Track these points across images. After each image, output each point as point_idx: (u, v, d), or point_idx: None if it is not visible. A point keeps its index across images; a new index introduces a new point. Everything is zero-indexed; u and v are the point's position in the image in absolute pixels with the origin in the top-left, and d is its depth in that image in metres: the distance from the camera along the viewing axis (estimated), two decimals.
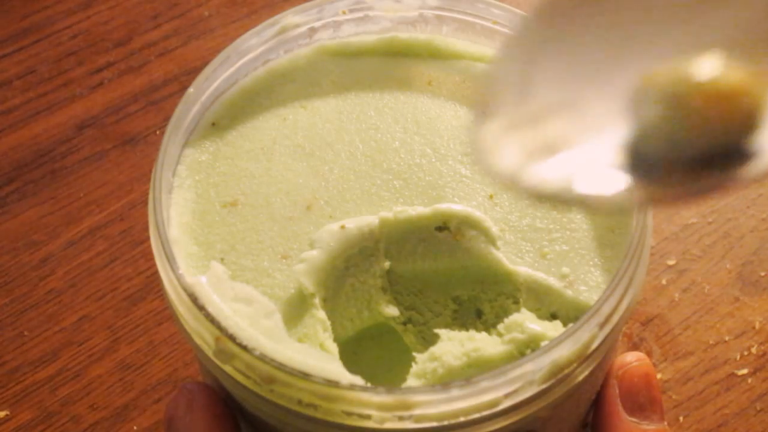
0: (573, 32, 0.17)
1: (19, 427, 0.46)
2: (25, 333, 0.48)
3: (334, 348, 0.30)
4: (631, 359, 0.28)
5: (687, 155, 0.15)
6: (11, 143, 0.55)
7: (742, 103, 0.15)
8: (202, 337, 0.30)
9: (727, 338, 0.46)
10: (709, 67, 0.15)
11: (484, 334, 0.28)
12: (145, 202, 0.52)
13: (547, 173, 0.16)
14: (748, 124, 0.15)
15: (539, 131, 0.16)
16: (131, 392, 0.46)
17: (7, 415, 0.46)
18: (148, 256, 0.50)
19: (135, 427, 0.45)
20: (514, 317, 0.27)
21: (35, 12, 0.62)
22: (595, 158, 0.16)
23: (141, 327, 0.48)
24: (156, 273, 0.31)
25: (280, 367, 0.27)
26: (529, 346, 0.25)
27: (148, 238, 0.34)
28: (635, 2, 0.17)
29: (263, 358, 0.28)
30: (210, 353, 0.29)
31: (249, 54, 0.37)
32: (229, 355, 0.29)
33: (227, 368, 0.29)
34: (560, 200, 0.15)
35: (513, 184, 0.15)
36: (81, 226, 0.52)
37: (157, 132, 0.55)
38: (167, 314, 0.48)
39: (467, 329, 0.30)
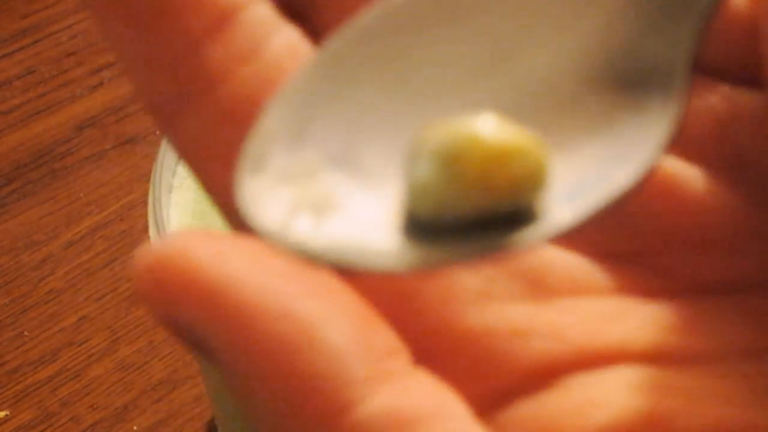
0: (359, 76, 0.16)
1: (19, 427, 0.46)
2: (25, 333, 0.48)
3: None
4: None
5: (461, 218, 0.15)
6: (11, 143, 0.55)
7: (521, 167, 0.14)
8: None
9: None
10: (489, 126, 0.14)
11: None
12: (145, 202, 0.52)
13: (315, 232, 0.15)
14: (527, 188, 0.15)
15: (311, 186, 0.15)
16: (131, 392, 0.46)
17: (6, 415, 0.46)
18: None
19: (135, 427, 0.45)
20: None
21: (35, 12, 0.62)
22: (367, 218, 0.15)
23: (141, 327, 0.48)
24: None
25: None
26: None
27: (148, 238, 0.34)
28: (431, 50, 0.16)
29: None
30: None
31: None
32: None
33: None
34: (327, 262, 0.14)
35: (276, 243, 0.14)
36: (81, 226, 0.52)
37: (157, 132, 0.55)
38: None
39: None
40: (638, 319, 0.17)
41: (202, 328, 0.15)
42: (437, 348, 0.17)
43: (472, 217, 0.15)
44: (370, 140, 0.16)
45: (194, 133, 0.17)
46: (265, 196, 0.15)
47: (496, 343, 0.17)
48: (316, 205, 0.15)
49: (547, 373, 0.17)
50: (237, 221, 0.17)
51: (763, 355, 0.17)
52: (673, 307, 0.17)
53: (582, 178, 0.15)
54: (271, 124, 0.16)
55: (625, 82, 0.16)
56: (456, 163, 0.15)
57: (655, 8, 0.16)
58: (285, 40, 0.17)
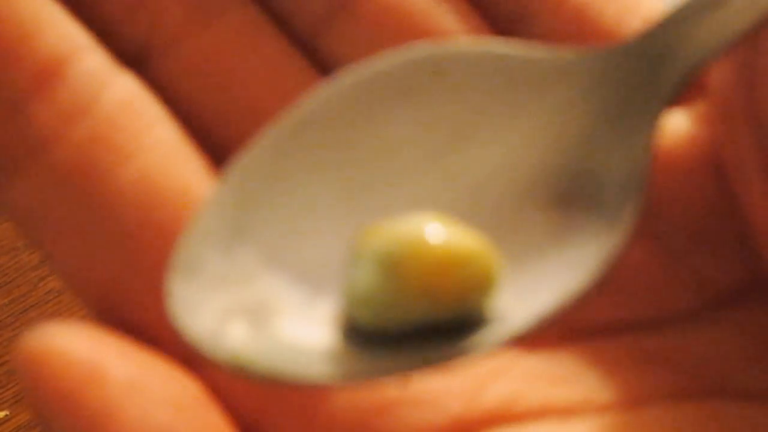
0: (301, 169, 0.15)
1: (19, 427, 0.46)
2: (25, 333, 0.48)
3: None
4: None
5: (404, 326, 0.14)
6: None
7: (468, 273, 0.14)
8: None
9: None
10: (433, 229, 0.14)
11: None
12: None
13: (249, 341, 0.14)
14: (475, 295, 0.14)
15: (246, 291, 0.14)
16: None
17: (6, 415, 0.46)
18: None
19: None
20: None
21: None
22: (304, 327, 0.14)
23: None
24: None
25: None
26: None
27: None
28: (378, 141, 0.15)
29: None
30: None
31: None
32: None
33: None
34: (259, 373, 0.13)
35: (207, 352, 0.14)
36: None
37: None
38: None
39: None
40: (522, 373, 0.17)
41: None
42: None
43: (417, 324, 0.14)
44: (310, 239, 0.15)
45: (28, 202, 0.17)
46: (197, 301, 0.14)
47: (369, 422, 0.16)
48: (251, 311, 0.14)
49: None
50: (90, 300, 0.17)
51: (639, 403, 0.16)
52: (559, 355, 0.17)
53: (533, 280, 0.15)
54: (206, 222, 0.15)
55: (577, 177, 0.15)
56: (397, 270, 0.14)
57: (611, 102, 0.16)
58: (119, 92, 0.17)
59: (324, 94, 0.16)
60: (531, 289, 0.14)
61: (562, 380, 0.16)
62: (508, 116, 0.16)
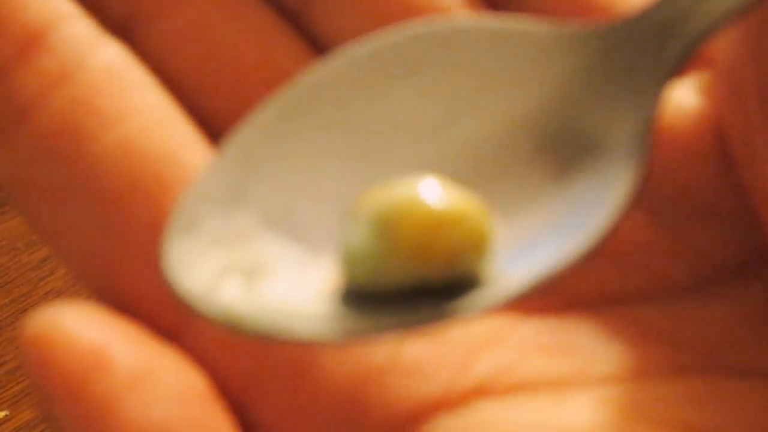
0: (304, 135, 0.15)
1: (19, 427, 0.46)
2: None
3: None
4: None
5: (399, 286, 0.14)
6: None
7: (461, 234, 0.14)
8: None
9: None
10: (428, 190, 0.14)
11: None
12: None
13: (244, 298, 0.14)
14: (469, 256, 0.14)
15: (243, 250, 0.14)
16: None
17: (6, 415, 0.46)
18: None
19: None
20: None
21: None
22: (300, 285, 0.14)
23: None
24: None
25: None
26: None
27: None
28: (380, 109, 0.15)
29: None
30: None
31: None
32: None
33: None
34: (253, 329, 0.13)
35: (199, 308, 0.13)
36: None
37: None
38: None
39: None
40: (516, 342, 0.16)
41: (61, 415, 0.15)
42: (301, 402, 0.16)
43: (410, 285, 0.14)
44: (310, 203, 0.15)
45: (12, 168, 0.17)
46: (193, 258, 0.14)
47: (357, 391, 0.16)
48: (247, 270, 0.14)
49: (410, 420, 0.16)
50: (73, 265, 0.17)
51: (635, 377, 0.16)
52: (555, 324, 0.17)
53: (531, 244, 0.15)
54: (208, 182, 0.15)
55: (578, 147, 0.15)
56: (391, 229, 0.14)
57: (613, 76, 0.16)
58: (104, 58, 0.17)
59: (328, 66, 0.16)
60: (529, 252, 0.14)
61: (556, 351, 0.16)
62: (510, 87, 0.16)
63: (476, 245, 0.14)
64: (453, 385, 0.16)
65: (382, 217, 0.14)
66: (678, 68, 0.15)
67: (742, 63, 0.16)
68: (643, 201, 0.17)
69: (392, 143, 0.16)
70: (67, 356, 0.15)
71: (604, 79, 0.16)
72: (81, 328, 0.15)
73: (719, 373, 0.16)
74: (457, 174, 0.15)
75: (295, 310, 0.14)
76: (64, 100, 0.16)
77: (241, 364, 0.16)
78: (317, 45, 0.18)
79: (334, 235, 0.15)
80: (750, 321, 0.16)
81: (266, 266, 0.14)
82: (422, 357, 0.16)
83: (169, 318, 0.16)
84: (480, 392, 0.16)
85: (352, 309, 0.14)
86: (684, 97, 0.17)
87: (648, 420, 0.15)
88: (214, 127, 0.17)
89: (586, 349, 0.16)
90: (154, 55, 0.17)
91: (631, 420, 0.15)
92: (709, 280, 0.17)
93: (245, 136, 0.15)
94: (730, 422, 0.15)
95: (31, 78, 0.16)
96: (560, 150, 0.16)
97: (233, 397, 0.16)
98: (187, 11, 0.18)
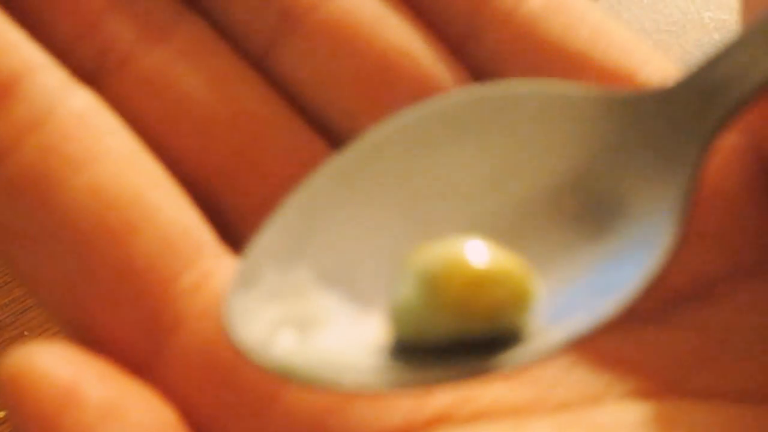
0: (363, 194, 0.16)
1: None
2: (25, 333, 0.48)
3: None
4: None
5: (443, 340, 0.15)
6: None
7: (503, 291, 0.14)
8: None
9: None
10: (471, 250, 0.15)
11: None
12: None
13: (297, 349, 0.15)
14: (510, 312, 0.15)
15: (299, 304, 0.15)
16: None
17: (6, 415, 0.46)
18: None
19: None
20: None
21: None
22: (351, 337, 0.15)
23: None
24: None
25: None
26: None
27: None
28: (435, 170, 0.16)
29: None
30: None
31: None
32: None
33: None
34: (305, 378, 0.14)
35: (255, 358, 0.14)
36: None
37: None
38: None
39: None
40: None
41: None
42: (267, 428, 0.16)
43: (455, 339, 0.15)
44: (363, 259, 0.16)
45: None
46: (252, 310, 0.15)
47: (320, 422, 0.16)
48: (302, 322, 0.15)
49: None
50: (48, 306, 0.17)
51: (594, 403, 0.16)
52: None
53: (569, 302, 0.15)
54: (269, 238, 0.16)
55: (617, 209, 0.16)
56: (435, 286, 0.15)
57: (655, 141, 0.16)
58: (75, 105, 0.17)
59: (385, 128, 0.17)
60: (567, 308, 0.15)
61: (516, 378, 0.17)
62: (553, 150, 0.17)
63: (517, 303, 0.15)
64: (414, 414, 0.16)
65: (427, 274, 0.15)
66: (718, 135, 0.16)
67: None
68: None
69: (443, 203, 0.17)
70: (40, 393, 0.15)
71: (646, 143, 0.16)
72: (53, 366, 0.16)
73: (680, 397, 0.16)
74: (502, 233, 0.16)
75: (345, 361, 0.15)
76: (36, 147, 0.17)
77: (209, 397, 0.17)
78: (281, 88, 0.19)
79: (385, 291, 0.16)
80: (709, 345, 0.17)
81: (320, 319, 0.15)
82: None
83: (139, 354, 0.17)
84: (441, 421, 0.16)
85: (399, 361, 0.15)
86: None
87: None
88: (182, 168, 0.18)
89: (546, 376, 0.17)
90: (122, 101, 0.18)
91: None
92: (669, 305, 0.17)
93: (304, 194, 0.16)
94: None
95: (4, 125, 0.17)
96: (600, 211, 0.16)
97: (202, 429, 0.17)
98: (151, 58, 0.18)
